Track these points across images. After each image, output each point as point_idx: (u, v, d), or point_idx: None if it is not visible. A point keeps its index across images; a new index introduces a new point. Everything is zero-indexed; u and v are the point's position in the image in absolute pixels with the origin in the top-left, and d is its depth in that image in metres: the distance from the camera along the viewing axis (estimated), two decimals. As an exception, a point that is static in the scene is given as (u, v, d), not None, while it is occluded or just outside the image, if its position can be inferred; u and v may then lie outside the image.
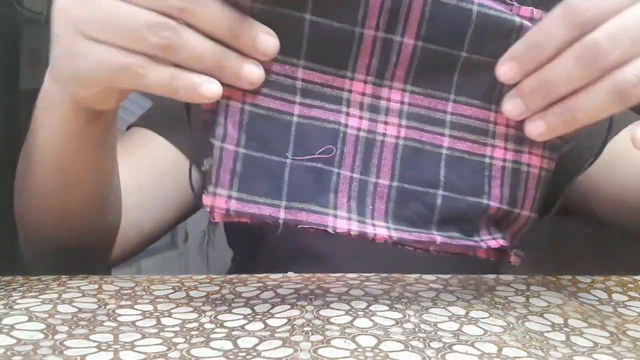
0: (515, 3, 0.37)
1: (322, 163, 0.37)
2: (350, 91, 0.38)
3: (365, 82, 0.38)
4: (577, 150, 0.64)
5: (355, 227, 0.37)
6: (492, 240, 0.39)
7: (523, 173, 0.39)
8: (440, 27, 0.37)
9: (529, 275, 0.46)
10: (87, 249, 0.50)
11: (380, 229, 0.38)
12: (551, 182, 0.64)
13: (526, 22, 0.37)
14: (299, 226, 0.37)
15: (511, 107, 0.37)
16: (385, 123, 0.38)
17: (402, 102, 0.38)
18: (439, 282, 0.44)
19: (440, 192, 0.38)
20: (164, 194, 0.59)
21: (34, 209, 0.49)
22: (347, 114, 0.38)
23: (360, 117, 0.38)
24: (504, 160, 0.39)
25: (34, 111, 0.43)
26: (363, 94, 0.38)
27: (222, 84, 0.35)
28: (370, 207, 0.38)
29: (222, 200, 0.36)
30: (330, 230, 0.37)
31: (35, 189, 0.47)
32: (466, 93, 0.39)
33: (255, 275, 0.45)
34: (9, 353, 0.30)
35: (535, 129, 0.37)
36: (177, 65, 0.34)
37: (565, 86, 0.35)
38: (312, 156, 0.37)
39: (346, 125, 0.38)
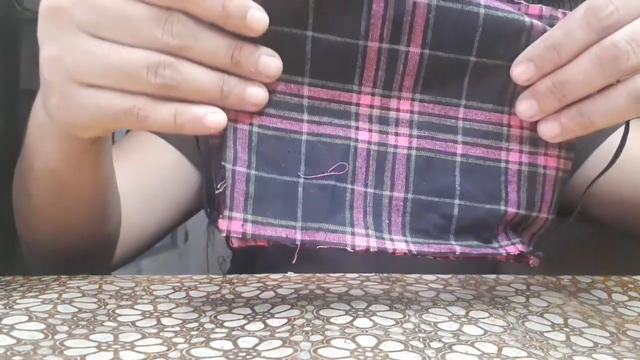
0: (523, 1, 0.37)
1: (335, 180, 0.37)
2: (358, 104, 0.37)
3: (372, 94, 0.37)
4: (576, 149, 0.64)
5: (374, 244, 0.37)
6: (511, 246, 0.39)
7: (540, 175, 0.39)
8: (447, 33, 0.36)
9: (529, 275, 0.46)
10: (89, 256, 0.50)
11: (399, 244, 0.37)
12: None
13: (536, 21, 0.36)
14: (317, 247, 0.36)
15: (525, 108, 0.37)
16: (396, 134, 0.38)
17: (412, 112, 0.38)
18: (439, 282, 0.44)
19: (457, 201, 0.38)
20: (165, 195, 0.59)
21: (33, 226, 0.48)
22: (357, 128, 0.37)
23: (370, 130, 0.38)
24: (520, 163, 0.39)
25: (26, 137, 0.42)
26: (371, 106, 0.37)
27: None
28: (387, 221, 0.38)
29: (238, 224, 0.35)
30: (349, 249, 0.36)
31: (34, 209, 0.46)
32: (477, 97, 0.38)
33: (255, 275, 0.45)
34: (9, 353, 0.30)
35: (549, 131, 0.36)
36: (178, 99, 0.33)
37: (582, 88, 0.34)
38: (325, 174, 0.37)
39: (356, 140, 0.37)
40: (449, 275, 0.46)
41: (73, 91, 0.33)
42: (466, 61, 0.37)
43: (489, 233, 0.39)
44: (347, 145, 0.37)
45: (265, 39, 0.34)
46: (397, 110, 0.38)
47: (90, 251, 0.50)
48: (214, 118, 0.34)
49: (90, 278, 0.43)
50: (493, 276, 0.46)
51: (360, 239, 0.37)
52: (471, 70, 0.37)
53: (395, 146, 0.38)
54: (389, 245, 0.37)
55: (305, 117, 0.36)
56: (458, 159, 0.38)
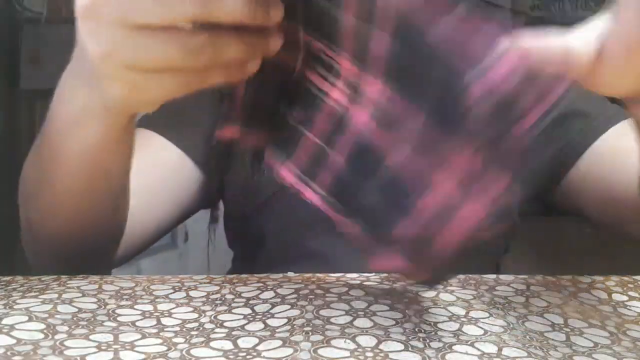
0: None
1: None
2: (339, 64, 0.38)
3: (350, 61, 0.38)
4: (565, 149, 0.64)
5: (293, 181, 0.38)
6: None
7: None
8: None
9: (529, 275, 0.46)
10: (95, 248, 0.50)
11: (313, 194, 0.38)
12: (545, 179, 0.64)
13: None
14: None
15: None
16: (358, 109, 0.38)
17: (378, 95, 0.38)
18: (439, 282, 0.44)
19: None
20: (167, 194, 0.59)
21: (51, 216, 0.48)
22: (333, 85, 0.38)
23: (343, 93, 0.38)
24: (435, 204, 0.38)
25: (51, 124, 0.43)
26: (349, 71, 0.38)
27: None
28: (318, 176, 0.38)
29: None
30: (275, 174, 0.38)
31: (60, 196, 0.47)
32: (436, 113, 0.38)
33: (255, 275, 0.45)
34: (9, 353, 0.30)
35: None
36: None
37: None
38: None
39: (327, 94, 0.38)
40: (449, 275, 0.46)
41: (135, 79, 0.35)
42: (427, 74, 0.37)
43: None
44: (318, 98, 0.38)
45: None
46: (366, 86, 0.38)
47: (99, 244, 0.50)
48: (253, 65, 0.37)
49: (90, 278, 0.43)
50: (493, 276, 0.46)
51: (287, 172, 0.38)
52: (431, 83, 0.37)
53: (353, 120, 0.38)
54: (303, 190, 0.38)
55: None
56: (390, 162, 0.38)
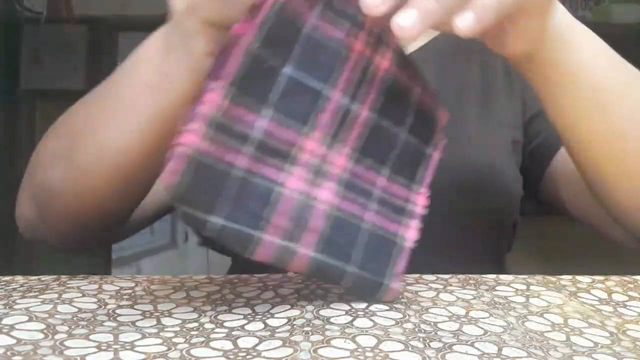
0: None
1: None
2: (302, 149, 0.37)
3: (320, 142, 0.37)
4: (545, 143, 0.65)
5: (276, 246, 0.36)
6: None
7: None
8: (393, 103, 0.40)
9: (529, 275, 0.46)
10: (109, 226, 0.52)
11: (304, 256, 0.37)
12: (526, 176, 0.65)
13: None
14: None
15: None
16: (323, 188, 0.38)
17: (344, 169, 0.39)
18: (439, 282, 0.44)
19: (350, 268, 0.38)
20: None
21: (73, 198, 0.49)
22: (290, 174, 0.36)
23: (301, 179, 0.37)
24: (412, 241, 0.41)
25: (124, 88, 0.44)
26: (313, 153, 0.37)
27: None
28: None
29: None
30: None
31: (93, 181, 0.47)
32: (398, 171, 0.41)
33: (255, 275, 0.45)
34: (9, 353, 0.30)
35: (464, 19, 0.35)
36: None
37: None
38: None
39: (283, 186, 0.36)
40: (449, 275, 0.46)
41: (217, 36, 0.38)
42: (398, 134, 0.41)
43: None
44: (270, 189, 0.36)
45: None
46: (332, 163, 0.38)
47: (114, 220, 0.51)
48: None
49: (90, 278, 0.43)
50: (493, 276, 0.46)
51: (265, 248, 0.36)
52: (400, 144, 0.41)
53: (318, 199, 0.38)
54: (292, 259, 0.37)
55: (249, 150, 0.35)
56: (363, 225, 0.39)
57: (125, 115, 0.44)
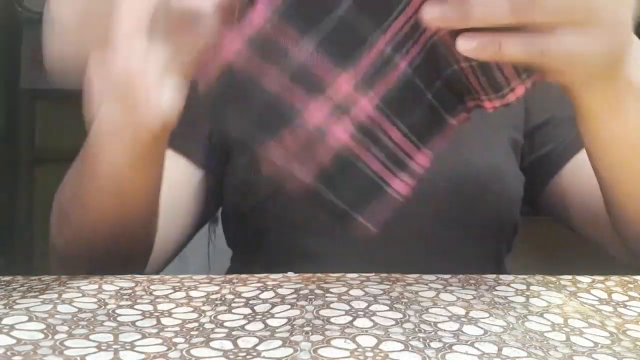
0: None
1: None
2: (333, 84, 0.38)
3: (354, 83, 0.38)
4: (551, 155, 0.65)
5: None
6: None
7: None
8: (429, 63, 0.39)
9: (529, 275, 0.46)
10: (124, 264, 0.51)
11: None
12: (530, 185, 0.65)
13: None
14: None
15: (430, 10, 0.37)
16: (338, 125, 0.39)
17: (365, 114, 0.39)
18: (439, 282, 0.44)
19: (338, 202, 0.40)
20: (182, 205, 0.61)
21: (84, 230, 0.50)
22: (314, 104, 0.38)
23: (323, 112, 0.38)
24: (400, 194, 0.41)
25: (90, 138, 0.44)
26: (342, 92, 0.38)
27: None
28: None
29: None
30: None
31: (90, 213, 0.48)
32: (413, 127, 0.41)
33: (255, 275, 0.45)
34: (9, 353, 0.30)
35: (465, 44, 0.37)
36: None
37: (486, 13, 0.36)
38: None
39: (303, 115, 0.38)
40: (448, 275, 0.46)
41: None
42: (425, 95, 0.40)
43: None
44: (292, 116, 0.38)
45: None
46: (356, 106, 0.39)
47: (128, 259, 0.51)
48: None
49: (91, 278, 0.43)
50: (493, 276, 0.46)
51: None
52: (425, 104, 0.41)
53: (331, 135, 0.39)
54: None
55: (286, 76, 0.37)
56: (368, 171, 0.40)
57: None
